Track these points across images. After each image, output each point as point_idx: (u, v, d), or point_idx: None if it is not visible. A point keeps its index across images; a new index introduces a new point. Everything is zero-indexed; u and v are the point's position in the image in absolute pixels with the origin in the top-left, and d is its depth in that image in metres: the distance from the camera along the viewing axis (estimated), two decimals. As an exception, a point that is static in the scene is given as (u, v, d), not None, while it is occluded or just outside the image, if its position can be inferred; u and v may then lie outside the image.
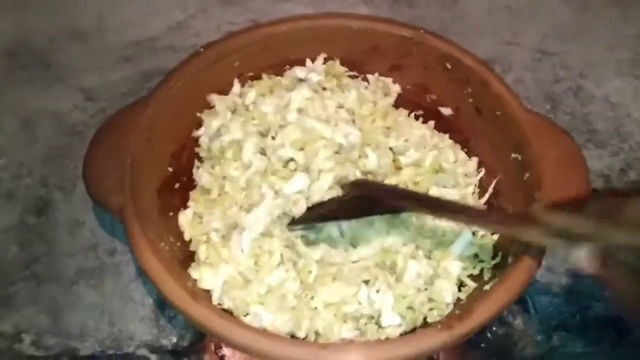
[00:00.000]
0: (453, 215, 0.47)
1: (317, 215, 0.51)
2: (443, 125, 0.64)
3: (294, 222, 0.52)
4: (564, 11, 0.83)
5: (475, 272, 0.53)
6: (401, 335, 0.49)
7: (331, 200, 0.53)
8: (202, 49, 0.60)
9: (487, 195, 0.59)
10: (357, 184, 0.53)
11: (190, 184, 0.60)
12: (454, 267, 0.53)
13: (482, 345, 0.55)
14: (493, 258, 0.53)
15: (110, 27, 0.78)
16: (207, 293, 0.50)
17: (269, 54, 0.64)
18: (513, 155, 0.56)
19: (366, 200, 0.50)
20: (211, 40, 0.61)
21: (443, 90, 0.63)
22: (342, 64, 0.65)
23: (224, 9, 0.80)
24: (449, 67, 0.61)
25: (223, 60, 0.61)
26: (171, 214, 0.55)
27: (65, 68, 0.73)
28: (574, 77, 0.76)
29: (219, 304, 0.49)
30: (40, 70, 0.73)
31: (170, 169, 0.58)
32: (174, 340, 0.53)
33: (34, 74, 0.72)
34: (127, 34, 0.77)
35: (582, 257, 0.36)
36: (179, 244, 0.54)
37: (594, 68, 0.76)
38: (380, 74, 0.66)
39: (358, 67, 0.66)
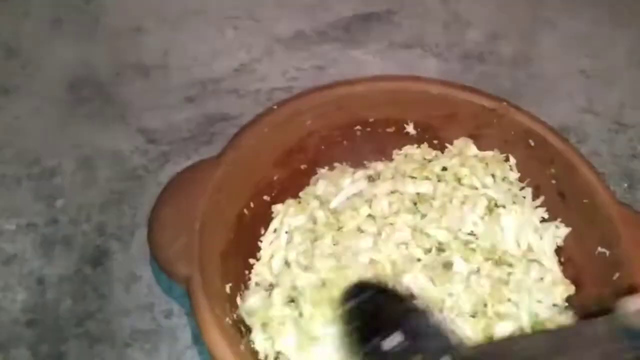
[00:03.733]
0: None
1: None
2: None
3: None
4: (642, 79, 0.79)
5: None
6: None
7: None
8: (275, 107, 0.58)
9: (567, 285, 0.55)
10: None
11: (252, 248, 0.58)
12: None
13: None
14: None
15: (175, 64, 0.76)
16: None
17: (342, 114, 0.61)
18: (600, 249, 0.52)
19: None
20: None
21: (523, 166, 0.60)
22: (416, 127, 0.63)
23: (290, 53, 0.78)
24: (532, 144, 0.58)
25: (296, 119, 0.59)
26: (232, 283, 0.53)
27: (127, 105, 0.71)
28: (654, 154, 0.72)
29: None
30: (102, 105, 0.71)
31: (234, 231, 0.55)
32: (229, 419, 0.50)
33: (95, 109, 0.71)
34: (191, 73, 0.75)
35: None
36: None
37: (675, 145, 0.73)
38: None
39: (432, 132, 0.63)
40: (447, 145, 0.62)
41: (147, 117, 0.70)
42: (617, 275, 0.50)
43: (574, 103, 0.77)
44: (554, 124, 0.60)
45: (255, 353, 0.50)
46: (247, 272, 0.56)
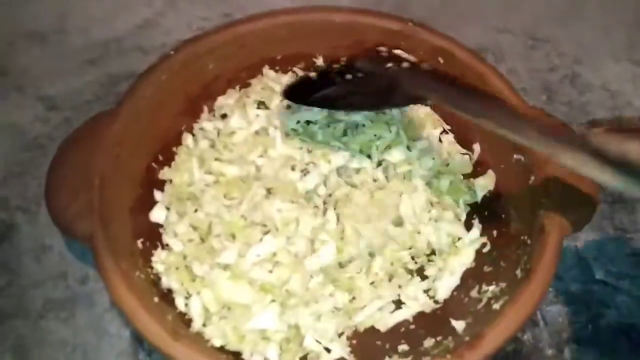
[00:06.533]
0: (483, 115, 0.41)
1: (324, 98, 0.46)
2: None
3: (290, 95, 0.48)
4: (555, -6, 0.79)
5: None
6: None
7: (343, 81, 0.47)
8: (172, 52, 0.55)
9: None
10: (372, 58, 0.47)
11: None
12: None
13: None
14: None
15: (72, 27, 0.71)
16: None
17: (246, 54, 0.59)
18: (515, 156, 0.52)
19: (384, 84, 0.45)
20: (181, 40, 0.56)
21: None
22: (325, 60, 0.61)
23: (194, 3, 0.74)
24: (442, 61, 0.57)
25: (195, 63, 0.56)
26: (144, 238, 0.50)
27: (24, 74, 0.67)
28: (570, 65, 0.72)
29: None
30: (-3, 77, 0.67)
31: (143, 186, 0.53)
32: (156, 374, 0.49)
33: (-10, 82, 0.66)
34: (91, 34, 0.71)
35: None
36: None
37: (590, 54, 0.72)
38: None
39: (343, 63, 0.61)
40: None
41: (46, 84, 0.66)
42: (532, 179, 0.49)
43: (490, 24, 0.76)
44: (471, 46, 0.59)
45: (175, 308, 0.48)
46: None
